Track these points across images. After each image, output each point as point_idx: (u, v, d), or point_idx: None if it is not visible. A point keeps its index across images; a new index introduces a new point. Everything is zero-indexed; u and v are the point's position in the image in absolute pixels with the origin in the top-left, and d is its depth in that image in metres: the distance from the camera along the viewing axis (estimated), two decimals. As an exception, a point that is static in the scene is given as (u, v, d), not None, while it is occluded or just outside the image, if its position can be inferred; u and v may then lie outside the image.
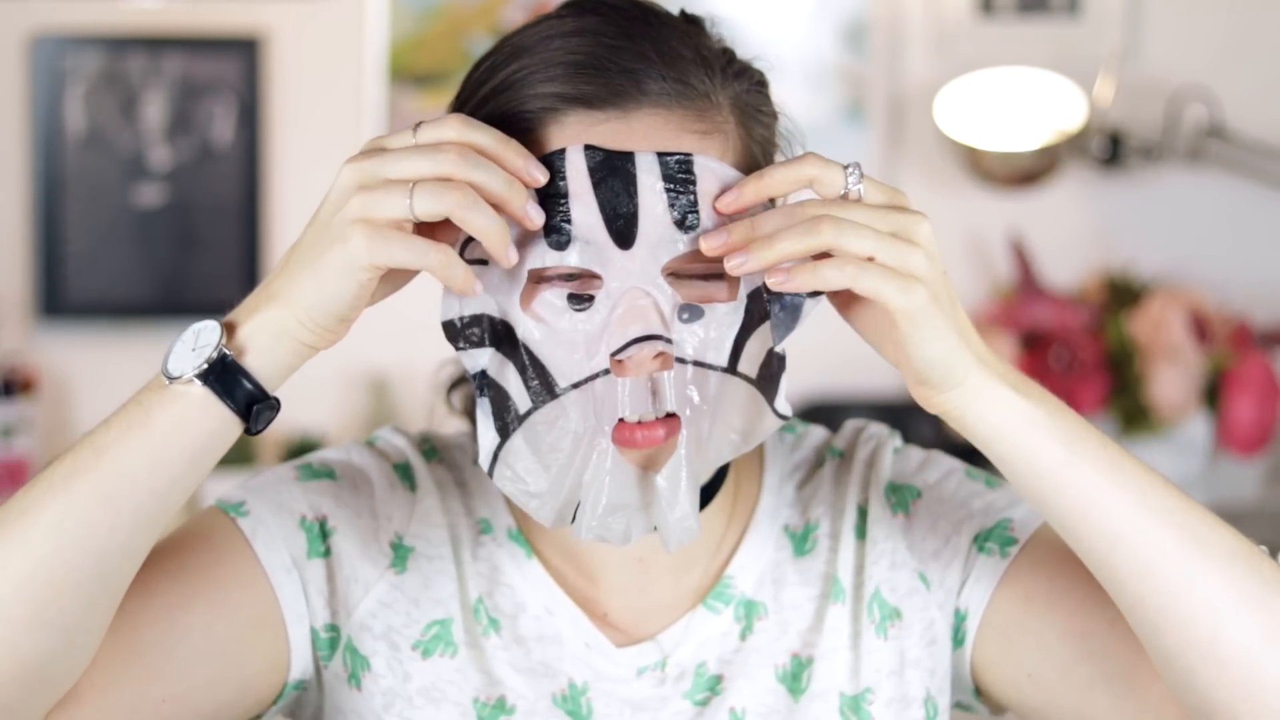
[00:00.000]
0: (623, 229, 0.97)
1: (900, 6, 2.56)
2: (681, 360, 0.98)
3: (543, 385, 0.99)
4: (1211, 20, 2.55)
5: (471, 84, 1.05)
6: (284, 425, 2.58)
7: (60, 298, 2.56)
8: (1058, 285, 2.49)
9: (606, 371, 0.98)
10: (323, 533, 1.10)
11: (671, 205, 0.97)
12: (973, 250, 2.57)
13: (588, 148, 0.97)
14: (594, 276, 0.98)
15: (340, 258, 0.93)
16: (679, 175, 0.98)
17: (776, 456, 1.17)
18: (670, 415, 0.98)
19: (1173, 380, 2.32)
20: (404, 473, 1.15)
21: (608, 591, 1.12)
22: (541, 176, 0.96)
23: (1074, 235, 2.56)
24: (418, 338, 2.57)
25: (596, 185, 0.97)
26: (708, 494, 1.09)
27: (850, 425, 1.20)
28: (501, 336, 1.00)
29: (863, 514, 1.14)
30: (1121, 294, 2.42)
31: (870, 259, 0.93)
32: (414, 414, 2.43)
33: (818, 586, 1.12)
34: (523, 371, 0.99)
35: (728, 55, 1.05)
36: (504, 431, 1.00)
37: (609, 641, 1.11)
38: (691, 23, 1.06)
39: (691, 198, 0.98)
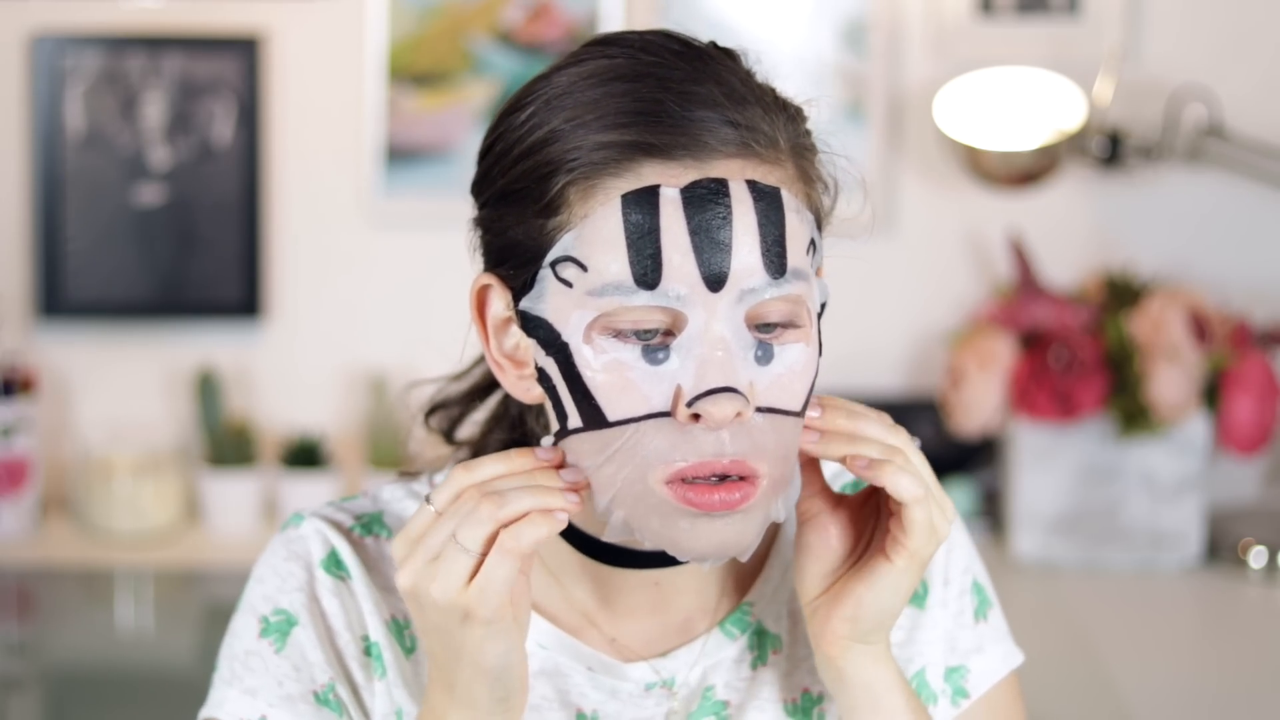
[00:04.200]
0: (715, 270, 0.95)
1: (900, 6, 2.55)
2: (758, 409, 0.97)
3: (595, 413, 0.97)
4: (1211, 20, 2.55)
5: (511, 132, 1.01)
6: (284, 425, 2.58)
7: (60, 297, 2.56)
8: (1057, 285, 2.48)
9: (665, 413, 0.96)
10: (336, 697, 1.09)
11: (763, 240, 0.96)
12: (972, 250, 2.57)
13: (684, 188, 0.96)
14: (669, 333, 0.96)
15: (470, 633, 0.98)
16: (769, 211, 0.97)
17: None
18: (743, 478, 0.97)
19: (1172, 380, 2.31)
20: (333, 563, 1.12)
21: (621, 613, 1.10)
22: (575, 475, 0.99)
23: (1073, 235, 2.56)
24: (418, 338, 2.57)
25: (690, 221, 0.95)
26: None
27: None
28: (555, 350, 0.99)
29: None
30: (1121, 293, 2.42)
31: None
32: (413, 414, 2.42)
33: None
34: (575, 397, 0.98)
35: (772, 91, 1.03)
36: (561, 434, 1.00)
37: (614, 658, 1.10)
38: (731, 56, 1.03)
39: (780, 233, 0.97)
